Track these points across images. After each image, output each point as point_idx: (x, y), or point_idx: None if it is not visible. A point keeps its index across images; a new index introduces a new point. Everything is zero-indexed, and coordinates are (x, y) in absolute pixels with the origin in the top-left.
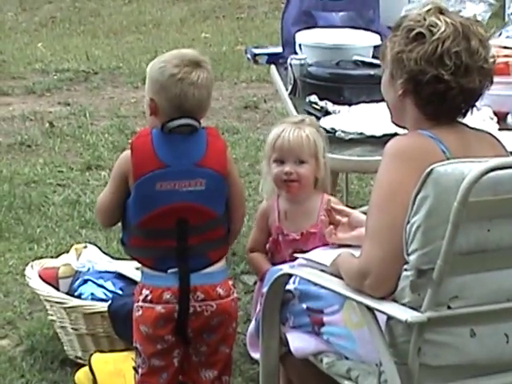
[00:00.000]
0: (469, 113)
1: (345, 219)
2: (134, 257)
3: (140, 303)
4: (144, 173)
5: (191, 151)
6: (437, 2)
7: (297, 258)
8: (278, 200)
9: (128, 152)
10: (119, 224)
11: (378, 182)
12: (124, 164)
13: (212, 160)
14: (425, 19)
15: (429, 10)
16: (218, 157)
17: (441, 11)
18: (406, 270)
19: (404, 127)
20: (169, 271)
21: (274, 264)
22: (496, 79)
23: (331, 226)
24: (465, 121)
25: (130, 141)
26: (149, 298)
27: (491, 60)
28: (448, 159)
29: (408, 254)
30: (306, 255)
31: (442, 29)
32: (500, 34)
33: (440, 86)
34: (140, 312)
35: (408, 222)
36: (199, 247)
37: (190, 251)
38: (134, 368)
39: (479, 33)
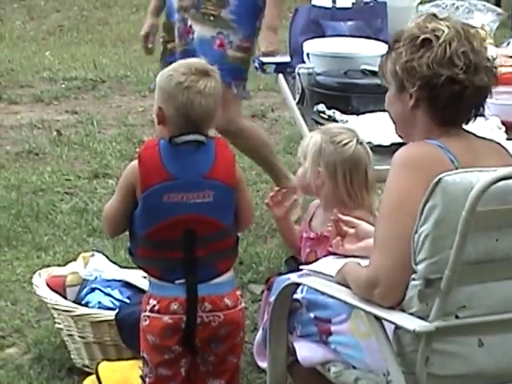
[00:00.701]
0: (477, 118)
1: (352, 230)
2: (141, 267)
3: (147, 313)
4: (151, 184)
5: (199, 163)
6: (432, 11)
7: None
8: None
9: (135, 163)
10: (127, 232)
11: (387, 192)
12: (131, 175)
13: (220, 171)
14: (426, 26)
15: (426, 18)
16: (226, 168)
17: (437, 17)
18: (413, 279)
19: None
20: (176, 282)
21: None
22: (503, 89)
23: (338, 238)
24: (472, 130)
25: (137, 150)
26: (156, 308)
27: (491, 58)
28: (456, 168)
29: (416, 264)
30: (312, 266)
31: (446, 31)
32: (508, 44)
33: (456, 87)
34: (147, 322)
35: (416, 232)
36: (207, 258)
37: (197, 262)
38: (141, 377)
39: (477, 35)
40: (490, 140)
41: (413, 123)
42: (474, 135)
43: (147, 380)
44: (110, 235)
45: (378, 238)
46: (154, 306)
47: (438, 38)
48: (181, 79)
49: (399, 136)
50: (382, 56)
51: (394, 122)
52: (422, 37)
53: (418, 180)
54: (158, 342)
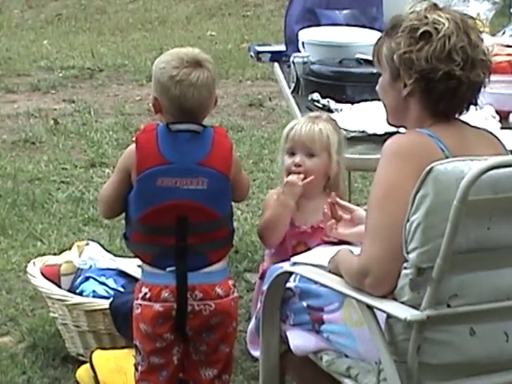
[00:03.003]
0: (471, 108)
1: (347, 216)
2: (134, 252)
3: (139, 301)
4: (146, 168)
5: (195, 150)
6: (432, 0)
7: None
8: None
9: (133, 146)
10: (122, 221)
11: (377, 181)
12: (128, 158)
13: (216, 160)
14: (426, 17)
15: (426, 8)
16: (222, 157)
17: (438, 8)
18: (405, 268)
19: (401, 126)
20: (167, 269)
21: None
22: (498, 78)
23: (333, 221)
24: (466, 119)
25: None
26: (147, 296)
27: (487, 51)
28: (447, 157)
29: (407, 253)
30: (303, 256)
31: (446, 25)
32: (504, 33)
33: (452, 82)
34: (139, 310)
35: (408, 220)
36: (198, 246)
37: (188, 250)
38: (134, 365)
39: (474, 27)
40: (483, 129)
41: (405, 111)
42: (467, 124)
43: (140, 368)
44: (103, 216)
45: (369, 228)
46: (146, 293)
47: (437, 31)
48: (173, 73)
49: (390, 124)
50: (377, 41)
51: (386, 109)
52: (422, 29)
53: (409, 169)
54: (150, 330)
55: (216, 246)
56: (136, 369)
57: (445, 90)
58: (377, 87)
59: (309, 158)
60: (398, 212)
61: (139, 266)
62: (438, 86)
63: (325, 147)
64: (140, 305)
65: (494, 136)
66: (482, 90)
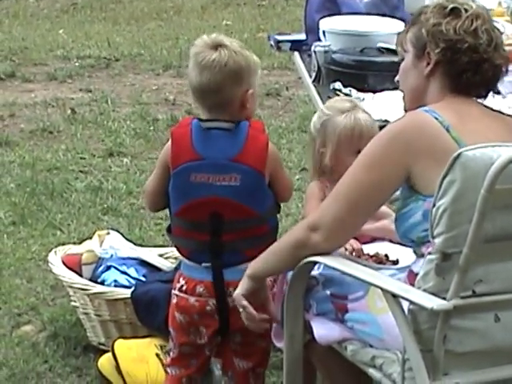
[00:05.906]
0: (495, 97)
1: None
2: (175, 245)
3: (176, 291)
4: (180, 163)
5: (229, 146)
6: None
7: None
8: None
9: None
10: (141, 211)
11: (363, 152)
12: (165, 152)
13: (249, 156)
14: (454, 1)
15: None
16: (256, 153)
17: None
18: (430, 253)
19: None
20: (203, 264)
21: None
22: None
23: None
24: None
25: (151, 128)
26: (184, 288)
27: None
28: (441, 124)
29: (433, 237)
30: None
31: (474, 7)
32: None
33: (475, 56)
34: (175, 300)
35: (434, 205)
36: (234, 244)
37: (224, 247)
38: (167, 351)
39: (497, 25)
40: (504, 114)
41: (424, 93)
42: (486, 107)
43: (171, 354)
44: (148, 209)
45: (337, 188)
46: (183, 286)
47: (466, 10)
48: (193, 53)
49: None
50: (401, 32)
51: (404, 95)
52: (452, 6)
53: (392, 151)
54: (184, 322)
55: (253, 244)
56: (168, 354)
57: (469, 61)
58: (397, 76)
59: None
60: (366, 187)
61: (161, 256)
62: (462, 57)
63: None
64: (177, 295)
65: None
66: (503, 79)
